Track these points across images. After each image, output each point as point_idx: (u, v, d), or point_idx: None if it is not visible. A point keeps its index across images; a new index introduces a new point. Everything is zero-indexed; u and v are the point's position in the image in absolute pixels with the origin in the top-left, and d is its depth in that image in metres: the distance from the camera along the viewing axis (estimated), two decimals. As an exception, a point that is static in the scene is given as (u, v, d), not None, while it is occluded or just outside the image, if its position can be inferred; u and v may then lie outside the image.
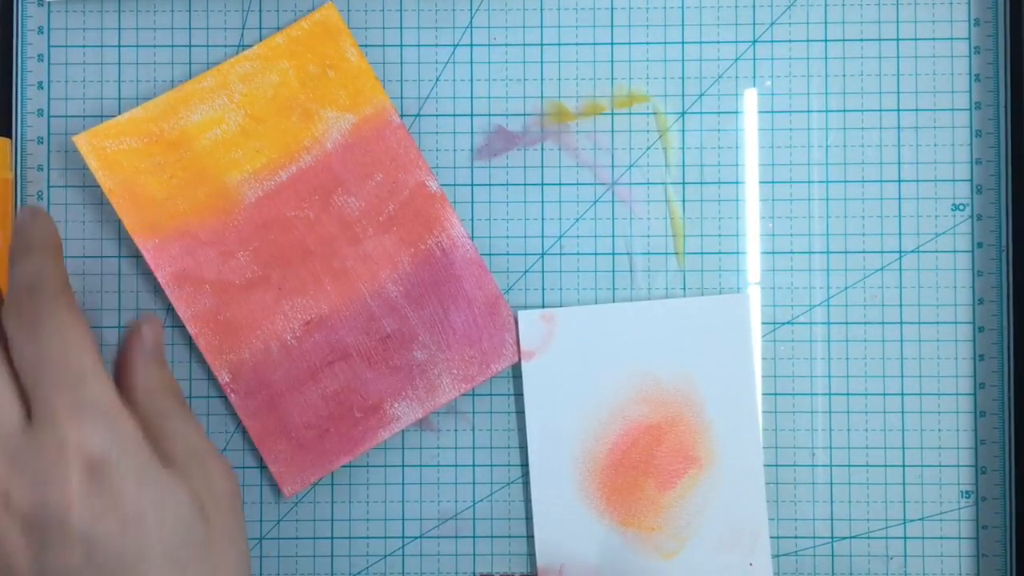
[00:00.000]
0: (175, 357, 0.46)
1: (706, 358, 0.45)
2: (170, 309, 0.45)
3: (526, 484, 0.45)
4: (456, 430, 0.46)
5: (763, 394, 0.46)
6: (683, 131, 0.46)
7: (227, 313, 0.44)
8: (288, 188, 0.44)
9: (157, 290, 0.45)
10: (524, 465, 0.46)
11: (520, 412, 0.46)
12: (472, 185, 0.46)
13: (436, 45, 0.46)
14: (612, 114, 0.46)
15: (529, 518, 0.45)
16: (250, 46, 0.46)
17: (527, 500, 0.45)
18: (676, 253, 0.46)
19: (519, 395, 0.46)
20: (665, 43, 0.46)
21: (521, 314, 0.45)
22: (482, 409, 0.46)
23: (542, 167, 0.46)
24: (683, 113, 0.46)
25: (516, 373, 0.46)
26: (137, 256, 0.45)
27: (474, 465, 0.46)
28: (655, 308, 0.45)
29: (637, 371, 0.45)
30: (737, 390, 0.45)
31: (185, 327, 0.44)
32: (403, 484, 0.46)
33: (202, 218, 0.44)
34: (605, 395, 0.45)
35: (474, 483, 0.46)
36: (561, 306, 0.45)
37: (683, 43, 0.46)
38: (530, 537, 0.46)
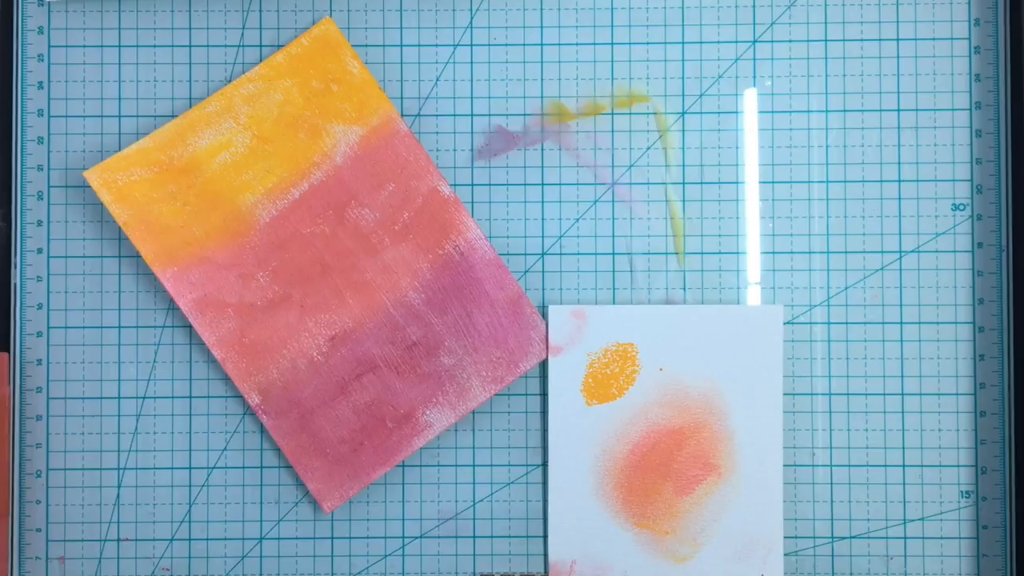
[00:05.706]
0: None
1: (735, 367, 0.44)
2: (187, 327, 0.45)
3: (526, 484, 0.45)
4: (456, 430, 0.46)
5: (763, 394, 0.46)
6: (683, 131, 0.46)
7: (252, 335, 0.44)
8: (302, 205, 0.45)
9: (158, 290, 0.45)
10: (525, 465, 0.46)
11: (520, 412, 0.46)
12: (472, 185, 0.46)
13: (436, 45, 0.46)
14: (612, 114, 0.46)
15: (530, 517, 0.45)
16: (250, 46, 0.46)
17: (527, 499, 0.45)
18: (676, 253, 0.46)
19: (519, 395, 0.46)
20: (665, 43, 0.46)
21: (552, 309, 0.45)
22: (482, 409, 0.46)
23: (542, 167, 0.46)
24: (683, 113, 0.46)
25: (516, 373, 0.46)
26: (137, 256, 0.45)
27: (474, 465, 0.46)
28: (687, 312, 0.44)
29: (664, 374, 0.45)
30: (763, 402, 0.44)
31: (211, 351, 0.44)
32: (403, 484, 0.46)
33: (219, 242, 0.44)
34: (630, 395, 0.45)
35: (474, 483, 0.46)
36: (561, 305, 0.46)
37: (683, 43, 0.46)
38: (531, 537, 0.45)
